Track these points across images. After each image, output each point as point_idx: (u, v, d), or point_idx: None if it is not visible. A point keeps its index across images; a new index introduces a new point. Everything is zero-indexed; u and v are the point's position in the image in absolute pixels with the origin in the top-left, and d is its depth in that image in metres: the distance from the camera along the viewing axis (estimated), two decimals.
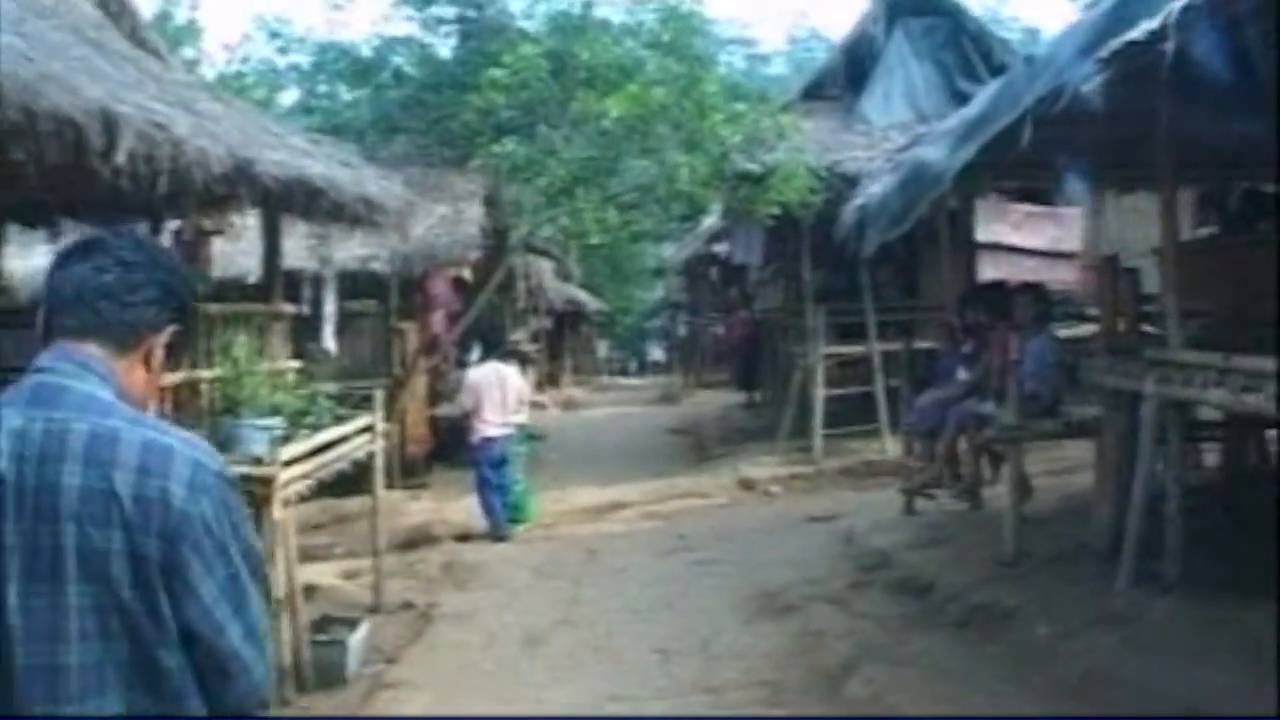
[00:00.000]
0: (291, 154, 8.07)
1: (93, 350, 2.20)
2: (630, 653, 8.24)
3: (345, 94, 22.88)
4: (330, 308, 14.86)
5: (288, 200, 7.88)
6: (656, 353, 49.68)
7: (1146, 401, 7.33)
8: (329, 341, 14.77)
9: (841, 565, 9.88)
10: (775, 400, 19.96)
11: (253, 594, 2.15)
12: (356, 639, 7.89)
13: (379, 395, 9.32)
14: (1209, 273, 9.45)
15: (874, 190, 9.44)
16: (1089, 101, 5.28)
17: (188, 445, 2.14)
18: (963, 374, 10.29)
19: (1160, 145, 7.35)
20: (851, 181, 13.58)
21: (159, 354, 2.31)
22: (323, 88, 24.23)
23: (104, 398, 2.15)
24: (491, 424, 12.42)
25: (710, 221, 27.67)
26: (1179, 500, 7.26)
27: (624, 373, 47.29)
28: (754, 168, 13.85)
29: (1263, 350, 6.18)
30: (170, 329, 2.31)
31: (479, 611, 9.48)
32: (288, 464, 7.08)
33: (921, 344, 16.34)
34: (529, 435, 12.97)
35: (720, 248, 25.66)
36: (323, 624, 8.04)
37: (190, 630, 2.07)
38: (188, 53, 33.23)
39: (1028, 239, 15.43)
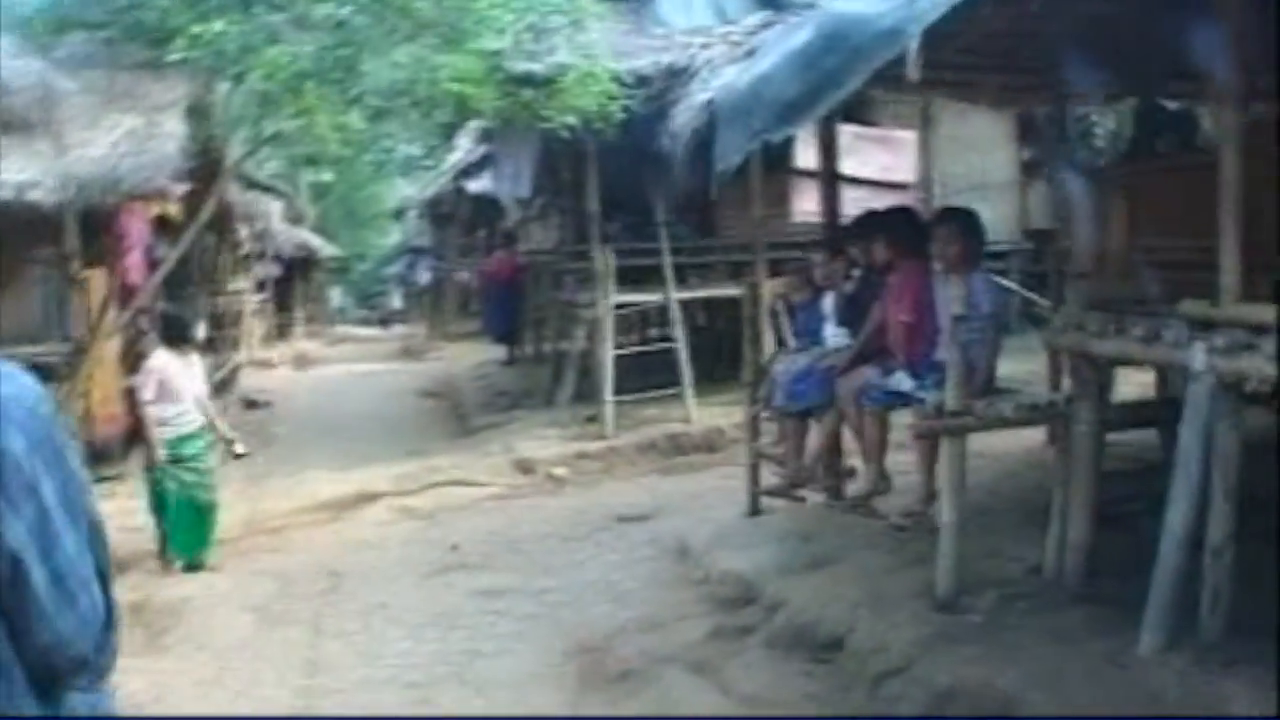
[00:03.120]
0: None
1: None
2: None
3: None
4: None
5: None
6: (396, 301, 46.17)
7: (1196, 381, 4.88)
8: None
9: (685, 597, 7.21)
10: (541, 356, 17.19)
11: (68, 538, 1.91)
12: None
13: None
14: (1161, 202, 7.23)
15: (736, 81, 6.74)
16: None
17: None
18: (830, 331, 7.71)
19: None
20: (658, 92, 10.92)
21: None
22: None
23: None
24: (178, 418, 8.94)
25: (459, 155, 24.65)
26: (1230, 523, 4.88)
27: (364, 323, 43.67)
28: (537, 68, 10.90)
29: None
30: None
31: (171, 693, 6.37)
32: None
33: (721, 291, 14.08)
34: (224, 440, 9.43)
35: (474, 183, 22.57)
36: None
37: None
38: None
39: (856, 166, 13.07)
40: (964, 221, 6.61)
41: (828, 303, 7.72)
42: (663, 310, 13.72)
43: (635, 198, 13.77)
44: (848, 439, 7.69)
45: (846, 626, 5.89)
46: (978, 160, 16.02)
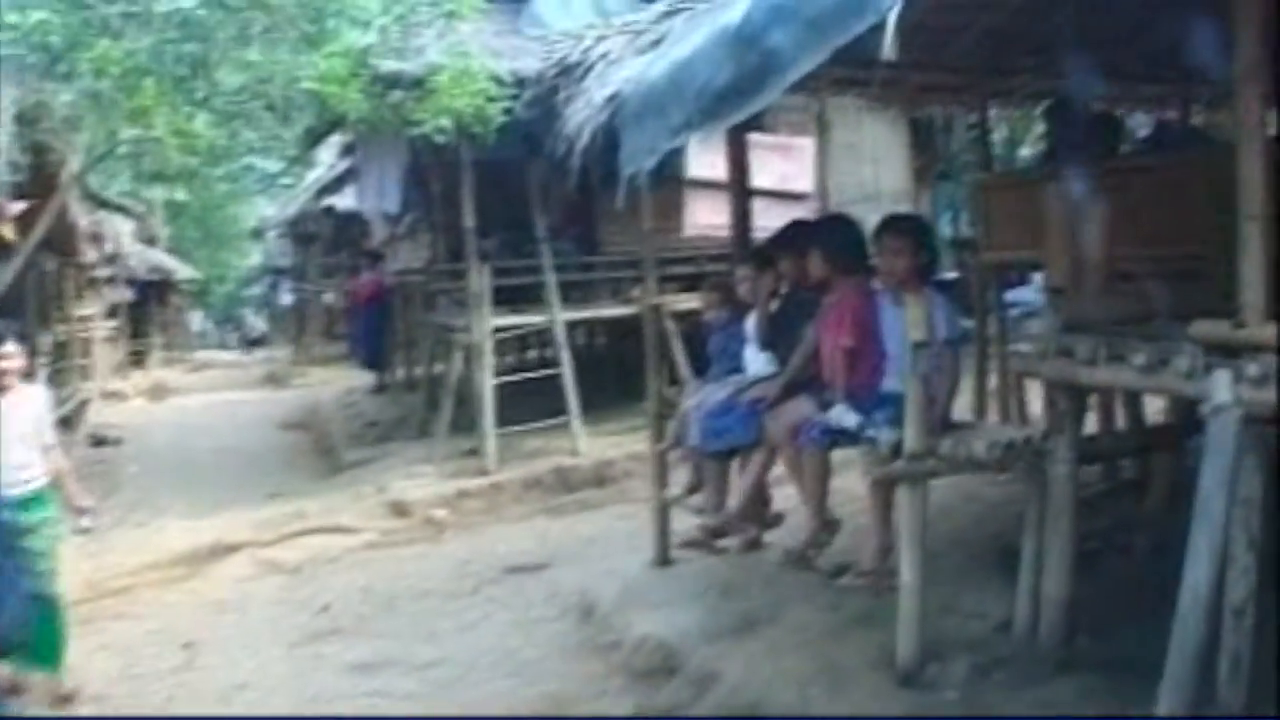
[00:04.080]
0: None
1: None
2: None
3: None
4: None
5: None
6: (259, 324, 44.31)
7: (1219, 417, 4.09)
8: None
9: (596, 669, 6.26)
10: (413, 383, 16.07)
11: None
12: None
13: None
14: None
15: (647, 72, 5.83)
16: None
17: None
18: (752, 355, 6.82)
19: None
20: (545, 93, 9.92)
21: None
22: None
23: None
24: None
25: (321, 171, 23.41)
26: (1253, 578, 4.10)
27: (226, 348, 41.81)
28: (407, 67, 9.84)
29: None
30: None
31: None
32: None
33: (609, 311, 13.20)
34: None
35: (337, 199, 21.32)
36: None
37: None
38: None
39: (753, 175, 12.24)
40: (914, 231, 5.75)
41: (750, 324, 6.83)
42: (543, 334, 12.81)
43: (514, 212, 12.81)
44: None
45: (798, 708, 4.99)
46: (870, 169, 15.39)
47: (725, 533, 6.78)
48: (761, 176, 12.58)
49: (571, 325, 12.79)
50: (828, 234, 6.17)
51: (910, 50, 6.50)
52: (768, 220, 12.98)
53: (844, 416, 5.64)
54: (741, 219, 8.00)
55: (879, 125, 15.59)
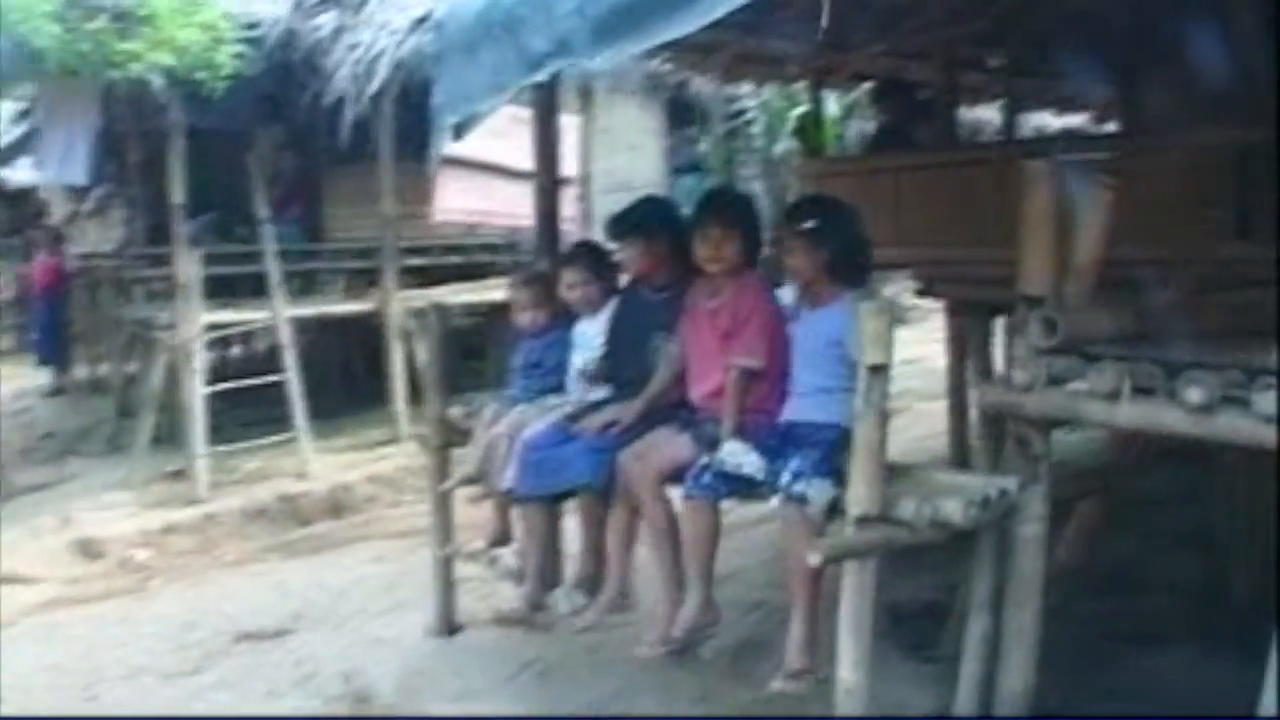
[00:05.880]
0: None
1: None
2: None
3: None
4: None
5: None
6: None
7: None
8: None
9: None
10: (99, 385, 13.72)
11: None
12: None
13: None
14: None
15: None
16: None
17: None
18: (580, 369, 5.29)
19: None
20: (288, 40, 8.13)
21: None
22: None
23: None
24: None
25: None
26: None
27: None
28: None
29: None
30: None
31: None
32: None
33: (341, 308, 11.46)
34: None
35: (10, 173, 18.41)
36: None
37: None
38: None
39: (513, 155, 10.74)
40: (835, 219, 4.36)
41: (587, 329, 5.29)
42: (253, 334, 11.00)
43: (230, 187, 10.89)
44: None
45: None
46: (626, 157, 14.10)
47: (543, 605, 5.19)
48: (524, 156, 11.14)
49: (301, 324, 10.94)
50: (724, 212, 4.66)
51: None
52: (526, 207, 11.54)
53: (739, 456, 4.19)
54: (549, 205, 6.49)
55: (634, 109, 14.36)
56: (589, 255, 5.45)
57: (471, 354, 11.65)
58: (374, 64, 6.71)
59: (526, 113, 11.01)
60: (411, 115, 10.78)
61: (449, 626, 5.96)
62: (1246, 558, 5.74)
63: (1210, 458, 5.78)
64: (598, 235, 6.85)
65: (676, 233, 4.91)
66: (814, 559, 3.60)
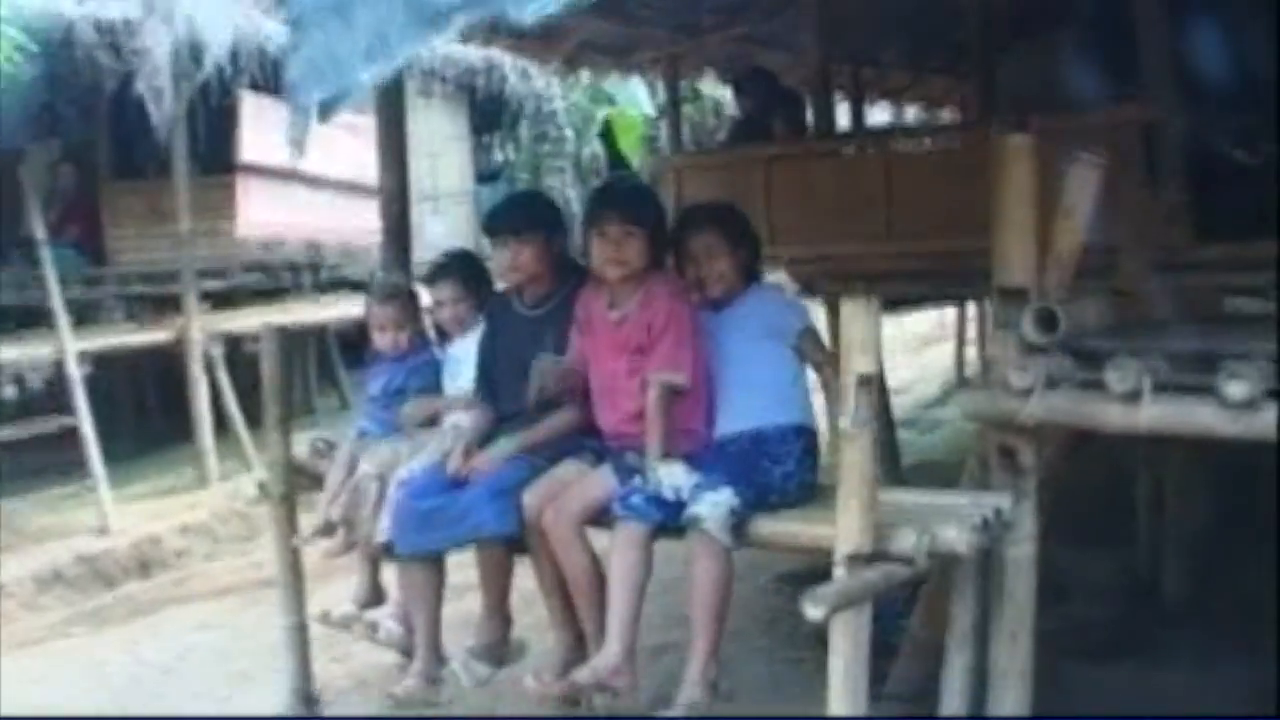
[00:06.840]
0: None
1: None
2: None
3: None
4: None
5: None
6: None
7: None
8: None
9: None
10: None
11: None
12: None
13: None
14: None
15: None
16: None
17: None
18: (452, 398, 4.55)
19: None
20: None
21: None
22: None
23: None
24: None
25: None
26: None
27: None
28: None
29: None
30: None
31: None
32: None
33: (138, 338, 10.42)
34: None
35: None
36: None
37: None
38: None
39: (322, 161, 9.90)
40: (737, 219, 3.84)
41: (461, 349, 4.55)
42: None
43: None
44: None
45: None
46: (428, 164, 13.28)
47: (438, 678, 4.41)
48: (333, 163, 10.33)
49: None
50: (624, 206, 3.99)
51: None
52: (336, 220, 10.64)
53: (682, 479, 3.54)
54: (399, 214, 5.77)
55: (438, 114, 13.58)
56: (463, 267, 4.72)
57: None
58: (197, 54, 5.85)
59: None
60: (210, 118, 9.92)
61: (307, 700, 5.12)
62: (1176, 559, 5.46)
63: (1130, 454, 5.49)
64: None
65: (563, 236, 4.27)
66: (814, 613, 2.97)
